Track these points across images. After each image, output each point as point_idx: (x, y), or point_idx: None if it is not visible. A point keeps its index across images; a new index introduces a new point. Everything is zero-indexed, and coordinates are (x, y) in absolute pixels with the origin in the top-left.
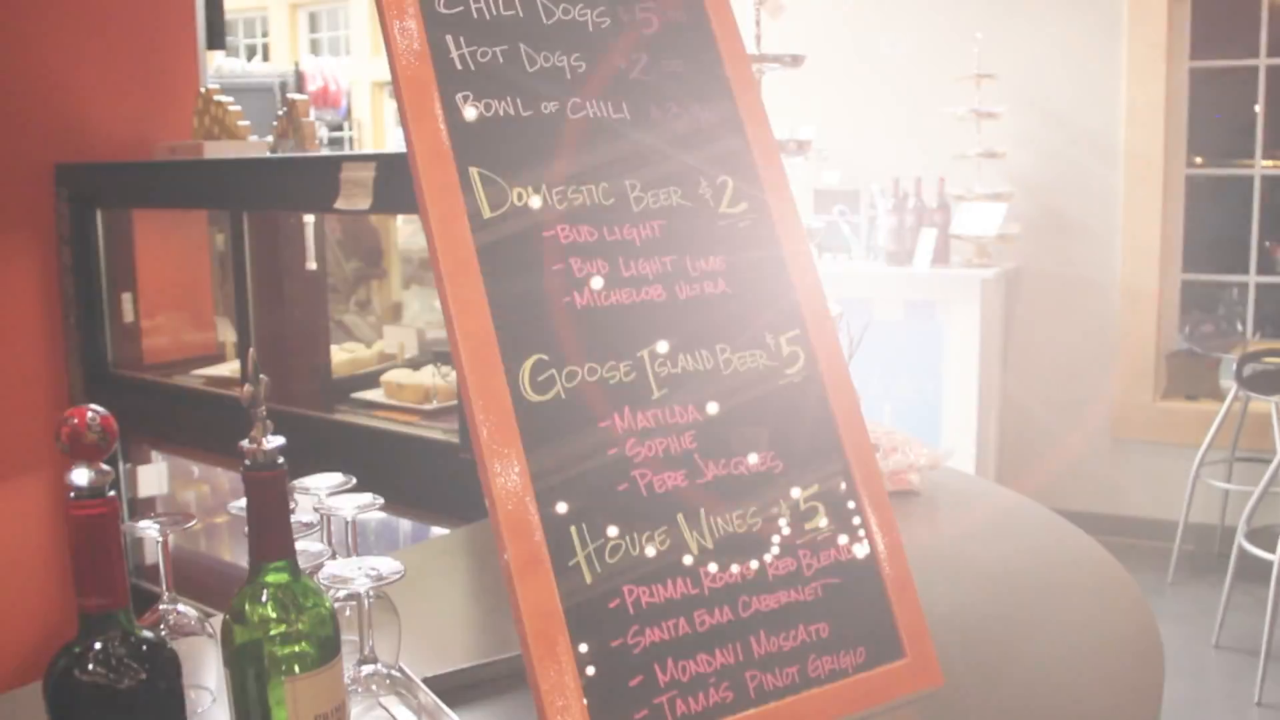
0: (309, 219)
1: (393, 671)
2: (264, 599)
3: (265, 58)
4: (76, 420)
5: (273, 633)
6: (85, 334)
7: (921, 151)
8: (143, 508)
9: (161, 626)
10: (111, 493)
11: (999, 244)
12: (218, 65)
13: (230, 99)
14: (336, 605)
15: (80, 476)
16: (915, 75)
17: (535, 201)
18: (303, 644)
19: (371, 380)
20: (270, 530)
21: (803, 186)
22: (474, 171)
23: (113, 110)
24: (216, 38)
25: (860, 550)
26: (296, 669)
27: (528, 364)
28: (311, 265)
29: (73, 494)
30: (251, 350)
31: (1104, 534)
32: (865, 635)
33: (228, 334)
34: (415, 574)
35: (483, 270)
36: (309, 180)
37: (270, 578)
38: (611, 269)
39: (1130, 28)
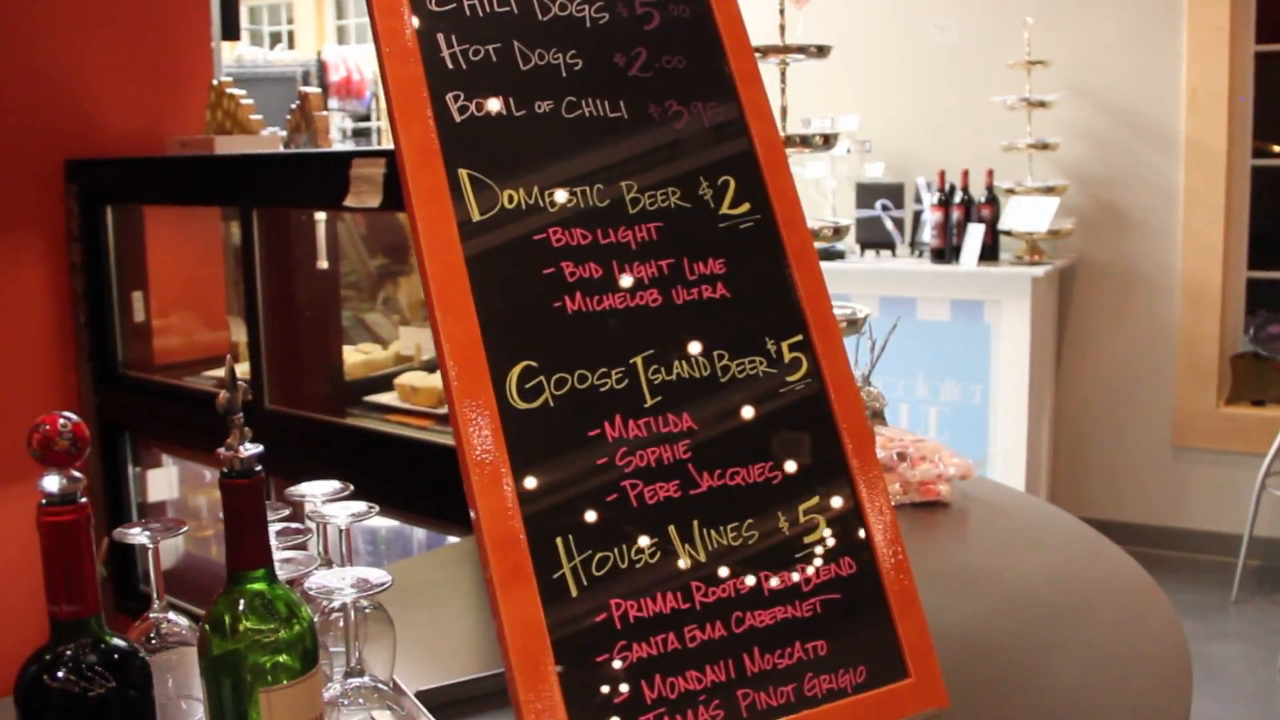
0: (320, 216)
1: (380, 684)
2: (240, 608)
3: (290, 45)
4: (48, 426)
5: (249, 643)
6: (95, 334)
7: (969, 143)
8: (153, 513)
9: (152, 635)
10: (83, 499)
11: (1051, 240)
12: (239, 54)
13: (243, 92)
14: (333, 616)
15: (51, 483)
16: (963, 62)
17: (526, 204)
18: (280, 654)
19: (386, 383)
20: (247, 538)
21: (845, 180)
22: (464, 173)
23: (124, 104)
24: (231, 27)
25: (862, 566)
26: (273, 680)
27: (515, 371)
28: (323, 264)
29: (44, 500)
30: (229, 356)
31: (1163, 548)
32: (866, 653)
33: (241, 334)
34: (423, 583)
35: (470, 274)
36: (319, 177)
37: (247, 586)
38: (605, 273)
39: (1191, 10)
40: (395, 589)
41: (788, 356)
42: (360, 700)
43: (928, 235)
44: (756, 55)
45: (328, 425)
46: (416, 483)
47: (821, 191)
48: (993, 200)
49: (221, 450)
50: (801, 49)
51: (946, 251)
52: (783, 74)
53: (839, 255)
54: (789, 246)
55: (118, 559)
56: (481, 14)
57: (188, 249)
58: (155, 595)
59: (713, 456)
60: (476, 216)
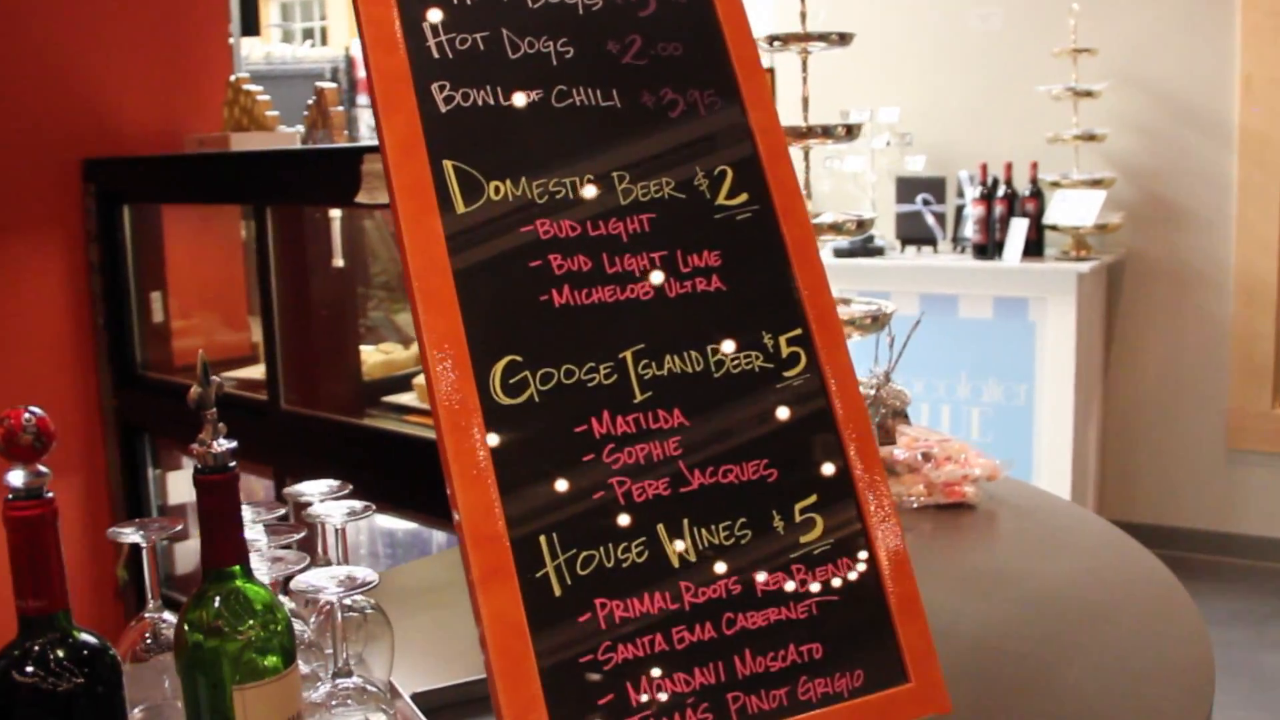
0: (336, 213)
1: (369, 685)
2: (216, 605)
3: (323, 41)
4: (11, 421)
5: (223, 640)
6: (113, 335)
7: (1013, 134)
8: (174, 515)
9: (148, 636)
10: (49, 494)
11: (1098, 235)
12: (268, 52)
13: (259, 88)
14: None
15: (15, 478)
16: (1006, 51)
17: (513, 195)
18: (255, 651)
19: (405, 383)
20: (222, 535)
21: (885, 174)
22: (449, 165)
23: (141, 102)
24: (251, 23)
25: (861, 566)
26: (249, 677)
27: (499, 365)
28: (340, 262)
29: (10, 495)
30: (201, 351)
31: (1217, 554)
32: (864, 657)
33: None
34: (431, 585)
35: (454, 267)
36: (331, 173)
37: (223, 584)
38: (595, 265)
39: None
40: (401, 591)
41: (785, 351)
42: (349, 701)
43: (970, 230)
44: (777, 44)
45: (344, 426)
46: (434, 484)
47: (860, 185)
48: (1037, 194)
49: (195, 446)
50: (823, 37)
51: (989, 247)
52: (804, 63)
53: (878, 251)
54: (789, 238)
55: (140, 563)
56: (470, 2)
57: (207, 248)
58: (150, 596)
59: (705, 453)
60: (461, 209)
